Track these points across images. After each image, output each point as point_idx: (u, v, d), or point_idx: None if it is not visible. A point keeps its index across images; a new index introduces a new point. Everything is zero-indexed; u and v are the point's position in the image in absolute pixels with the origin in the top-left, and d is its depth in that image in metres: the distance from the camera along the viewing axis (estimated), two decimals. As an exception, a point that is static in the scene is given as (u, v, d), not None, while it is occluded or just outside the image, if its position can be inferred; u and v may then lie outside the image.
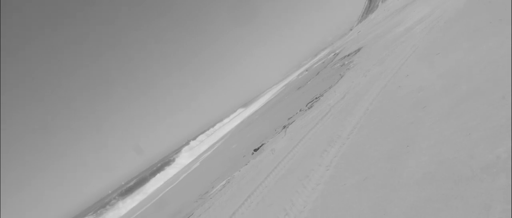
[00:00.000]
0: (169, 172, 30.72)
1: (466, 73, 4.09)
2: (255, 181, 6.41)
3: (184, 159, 36.64)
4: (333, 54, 38.96)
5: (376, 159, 3.63)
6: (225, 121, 65.36)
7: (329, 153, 5.03)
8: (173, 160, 43.97)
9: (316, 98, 12.55)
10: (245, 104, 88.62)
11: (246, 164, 9.38)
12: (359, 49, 21.70)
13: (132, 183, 43.99)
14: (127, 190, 40.50)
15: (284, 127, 10.87)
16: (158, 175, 35.75)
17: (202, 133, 66.19)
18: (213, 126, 72.67)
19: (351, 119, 6.06)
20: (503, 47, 4.04)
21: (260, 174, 6.73)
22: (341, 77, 14.10)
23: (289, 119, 12.06)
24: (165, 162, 44.98)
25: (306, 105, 12.27)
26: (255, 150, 10.25)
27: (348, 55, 23.53)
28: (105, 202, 41.40)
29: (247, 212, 4.98)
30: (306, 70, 46.83)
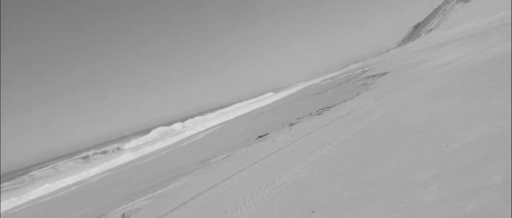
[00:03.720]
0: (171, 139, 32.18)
1: (440, 122, 4.99)
2: (252, 159, 7.53)
3: (191, 129, 38.16)
4: (361, 70, 39.23)
5: (347, 165, 4.65)
6: (252, 100, 69.39)
7: (317, 153, 6.05)
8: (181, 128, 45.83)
9: (328, 107, 13.45)
10: (275, 90, 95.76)
11: (248, 146, 10.50)
12: (385, 73, 22.19)
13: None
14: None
15: (291, 124, 11.88)
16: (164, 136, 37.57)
17: (234, 103, 73.17)
18: (242, 100, 79.11)
19: (345, 132, 7.03)
20: (478, 110, 4.92)
21: (258, 156, 7.83)
22: (357, 94, 14.88)
23: (298, 118, 13.05)
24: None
25: (317, 111, 13.21)
26: (260, 137, 11.34)
27: (373, 76, 24.02)
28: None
29: (240, 179, 6.11)
30: (331, 78, 47.30)
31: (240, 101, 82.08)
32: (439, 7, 51.80)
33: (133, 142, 41.58)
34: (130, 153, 28.24)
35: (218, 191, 5.93)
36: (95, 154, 41.25)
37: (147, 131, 46.52)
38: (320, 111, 13.15)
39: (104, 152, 41.03)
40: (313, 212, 3.51)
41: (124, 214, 7.05)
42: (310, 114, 13.14)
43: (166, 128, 46.93)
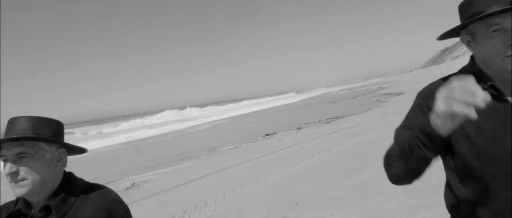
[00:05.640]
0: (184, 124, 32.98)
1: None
2: (256, 154, 8.18)
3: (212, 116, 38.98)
4: (379, 86, 39.31)
5: (337, 170, 5.23)
6: (272, 98, 70.94)
7: (314, 158, 6.64)
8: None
9: (337, 117, 13.93)
10: (298, 91, 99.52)
11: (254, 142, 11.13)
12: (400, 93, 22.43)
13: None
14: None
15: (299, 128, 12.45)
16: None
17: (252, 98, 75.70)
18: (261, 97, 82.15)
19: (345, 143, 7.57)
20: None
21: (261, 152, 8.48)
22: (368, 110, 15.31)
23: (306, 123, 13.59)
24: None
25: (326, 120, 13.72)
26: (267, 135, 11.97)
27: (389, 94, 24.27)
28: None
29: (241, 170, 6.78)
30: (349, 89, 47.54)
31: (258, 97, 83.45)
32: (470, 34, 50.76)
33: (146, 121, 42.76)
34: (143, 130, 29.36)
35: (220, 176, 6.59)
36: (112, 126, 42.57)
37: (160, 112, 47.76)
38: (329, 119, 13.65)
39: (122, 128, 42.24)
40: (297, 203, 4.11)
41: (134, 183, 7.81)
42: (319, 121, 13.65)
43: (181, 112, 48.15)
